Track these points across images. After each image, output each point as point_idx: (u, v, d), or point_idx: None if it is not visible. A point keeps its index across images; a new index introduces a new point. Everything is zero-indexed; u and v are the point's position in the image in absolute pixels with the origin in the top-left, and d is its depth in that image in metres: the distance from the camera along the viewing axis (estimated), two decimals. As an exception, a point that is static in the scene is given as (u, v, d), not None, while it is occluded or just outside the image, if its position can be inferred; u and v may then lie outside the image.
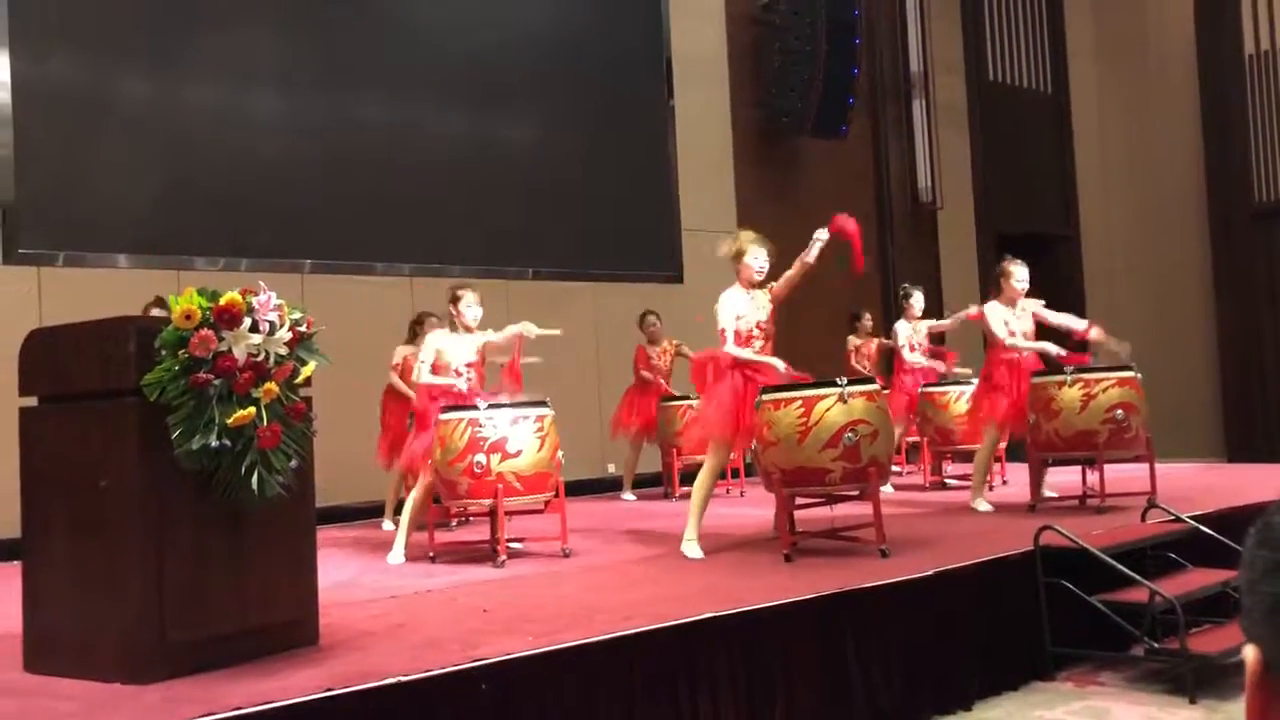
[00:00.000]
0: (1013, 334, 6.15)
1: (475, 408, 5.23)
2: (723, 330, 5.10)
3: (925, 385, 7.92)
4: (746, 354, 5.08)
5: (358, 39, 8.32)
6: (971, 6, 12.64)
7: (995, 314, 6.23)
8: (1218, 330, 12.89)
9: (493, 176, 8.89)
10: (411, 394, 6.13)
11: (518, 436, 5.13)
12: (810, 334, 9.01)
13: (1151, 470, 6.03)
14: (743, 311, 5.11)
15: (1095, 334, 6.14)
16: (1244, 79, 12.60)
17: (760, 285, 5.23)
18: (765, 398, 4.90)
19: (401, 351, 6.96)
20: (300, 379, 3.39)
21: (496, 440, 5.09)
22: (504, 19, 9.09)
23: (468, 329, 5.58)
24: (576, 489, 7.38)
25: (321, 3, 8.20)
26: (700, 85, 10.25)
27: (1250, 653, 0.65)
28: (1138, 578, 4.50)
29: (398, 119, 8.47)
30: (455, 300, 5.60)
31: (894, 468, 7.44)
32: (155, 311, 5.90)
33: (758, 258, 5.18)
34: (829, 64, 10.33)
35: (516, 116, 9.17)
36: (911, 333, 8.14)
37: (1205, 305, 13.02)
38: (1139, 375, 6.05)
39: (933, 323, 8.26)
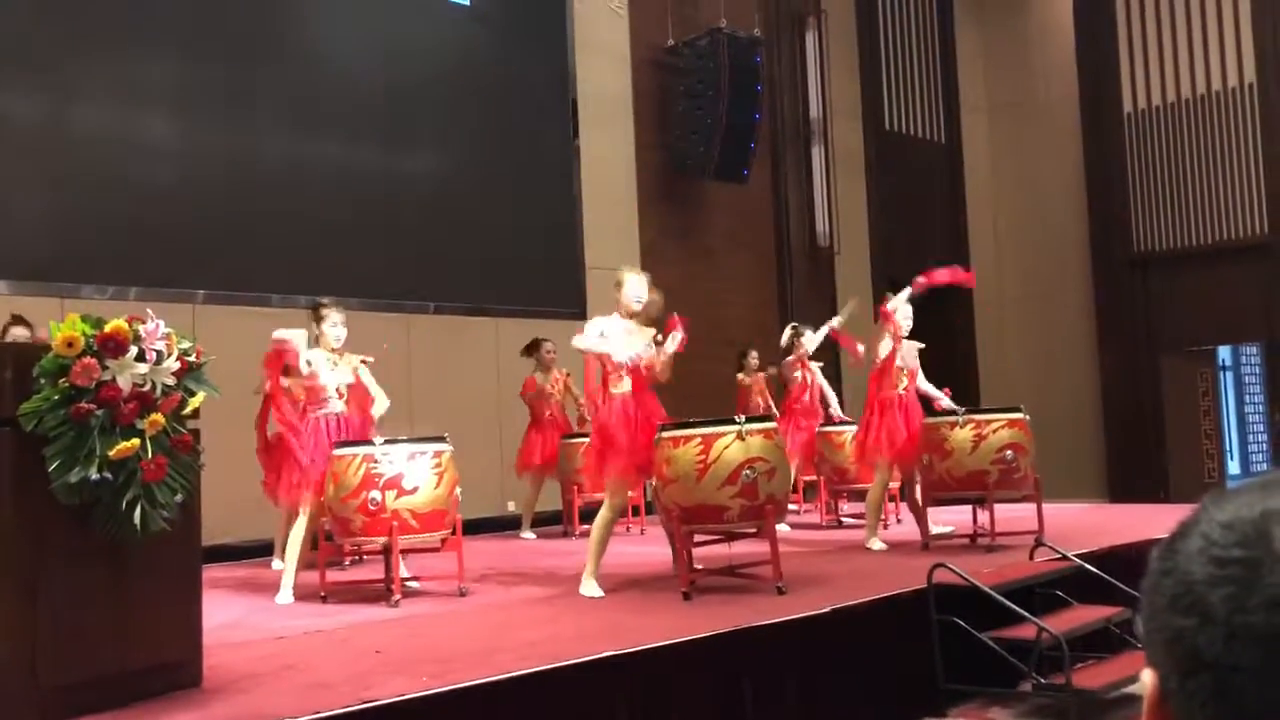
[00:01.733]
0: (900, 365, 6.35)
1: (370, 443, 5.12)
2: (582, 329, 5.08)
3: (822, 424, 8.05)
4: (596, 345, 4.99)
5: (261, 66, 8.19)
6: (869, 58, 13.02)
7: (885, 344, 6.40)
8: (1101, 373, 13.40)
9: (396, 210, 8.81)
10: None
11: (414, 473, 5.04)
12: (704, 370, 9.11)
13: (1039, 510, 6.21)
14: (615, 338, 5.05)
15: (946, 404, 6.42)
16: (1123, 135, 13.21)
17: (645, 321, 5.19)
18: (664, 435, 4.92)
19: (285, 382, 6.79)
20: (188, 410, 3.28)
21: (392, 476, 4.99)
22: (411, 52, 9.05)
23: (332, 350, 5.46)
24: (475, 527, 7.27)
25: (223, 28, 8.04)
26: (605, 126, 10.34)
27: (1148, 679, 0.66)
28: (1026, 615, 4.61)
29: (300, 149, 8.35)
30: (320, 319, 5.47)
31: (791, 506, 7.52)
32: (15, 330, 5.66)
33: (633, 290, 5.12)
34: (731, 109, 10.51)
35: (421, 151, 9.12)
36: (808, 372, 8.29)
37: (1090, 348, 13.53)
38: (1027, 417, 6.24)
39: (825, 329, 8.25)
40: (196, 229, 7.69)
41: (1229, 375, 14.15)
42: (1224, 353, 13.99)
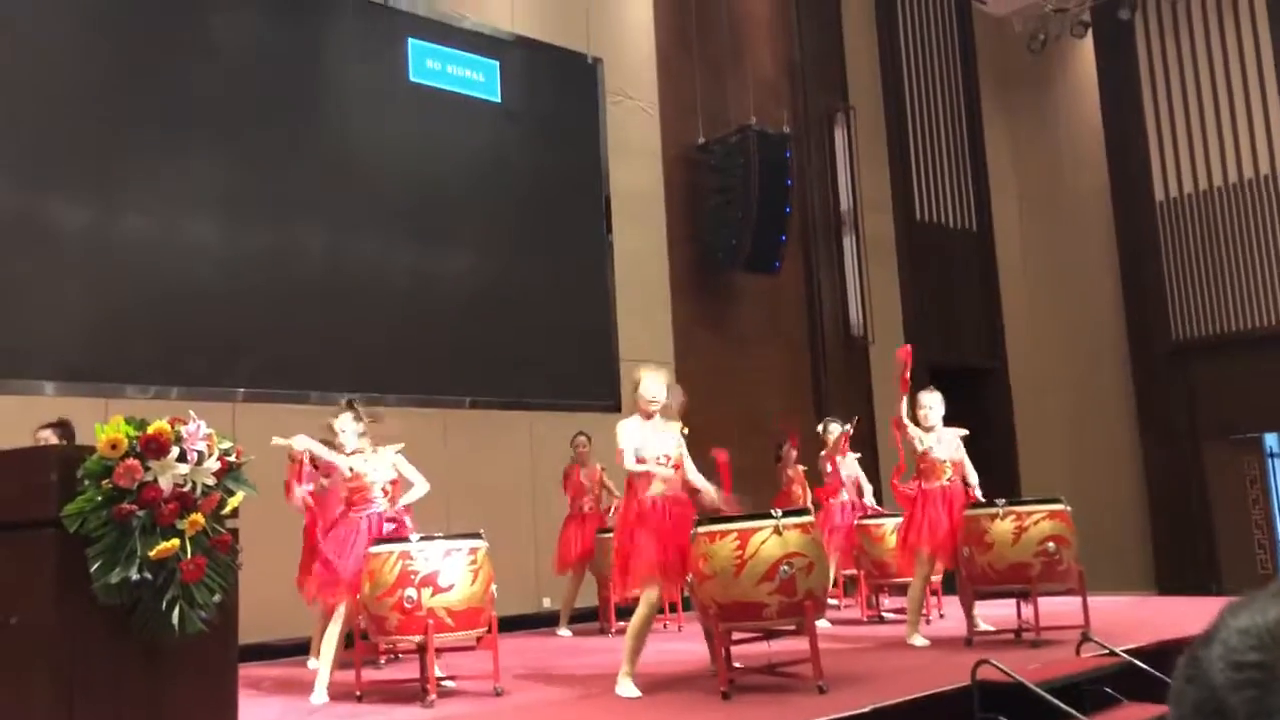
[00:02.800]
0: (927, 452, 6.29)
1: (406, 540, 5.13)
2: (621, 450, 5.06)
3: (860, 518, 7.96)
4: (648, 467, 5.00)
5: (300, 168, 8.43)
6: (898, 150, 13.18)
7: (913, 430, 6.36)
8: (1144, 462, 13.19)
9: (432, 305, 8.95)
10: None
11: (450, 570, 5.03)
12: (740, 463, 9.06)
13: (1084, 603, 6.07)
14: (640, 440, 5.06)
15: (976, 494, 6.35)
16: (1156, 223, 13.22)
17: (665, 417, 5.19)
18: (700, 530, 4.89)
19: (324, 482, 6.83)
20: (227, 509, 3.31)
21: (428, 574, 4.98)
22: (448, 153, 9.28)
23: (359, 449, 5.51)
24: (511, 624, 7.21)
25: (265, 131, 8.31)
26: (638, 220, 10.50)
27: None
28: (1075, 713, 4.48)
29: (337, 247, 8.53)
30: (361, 417, 5.53)
31: (830, 601, 7.41)
32: (42, 434, 5.67)
33: (649, 389, 5.13)
34: (761, 202, 10.65)
35: (457, 247, 9.28)
36: (850, 465, 8.24)
37: (1131, 437, 13.35)
38: (1069, 508, 6.15)
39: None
40: (237, 328, 7.84)
41: (1278, 463, 13.85)
42: (1271, 440, 13.72)
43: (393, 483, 5.53)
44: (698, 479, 5.14)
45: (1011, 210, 14.39)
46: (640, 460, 4.99)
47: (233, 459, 3.34)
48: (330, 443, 5.51)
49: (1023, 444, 13.46)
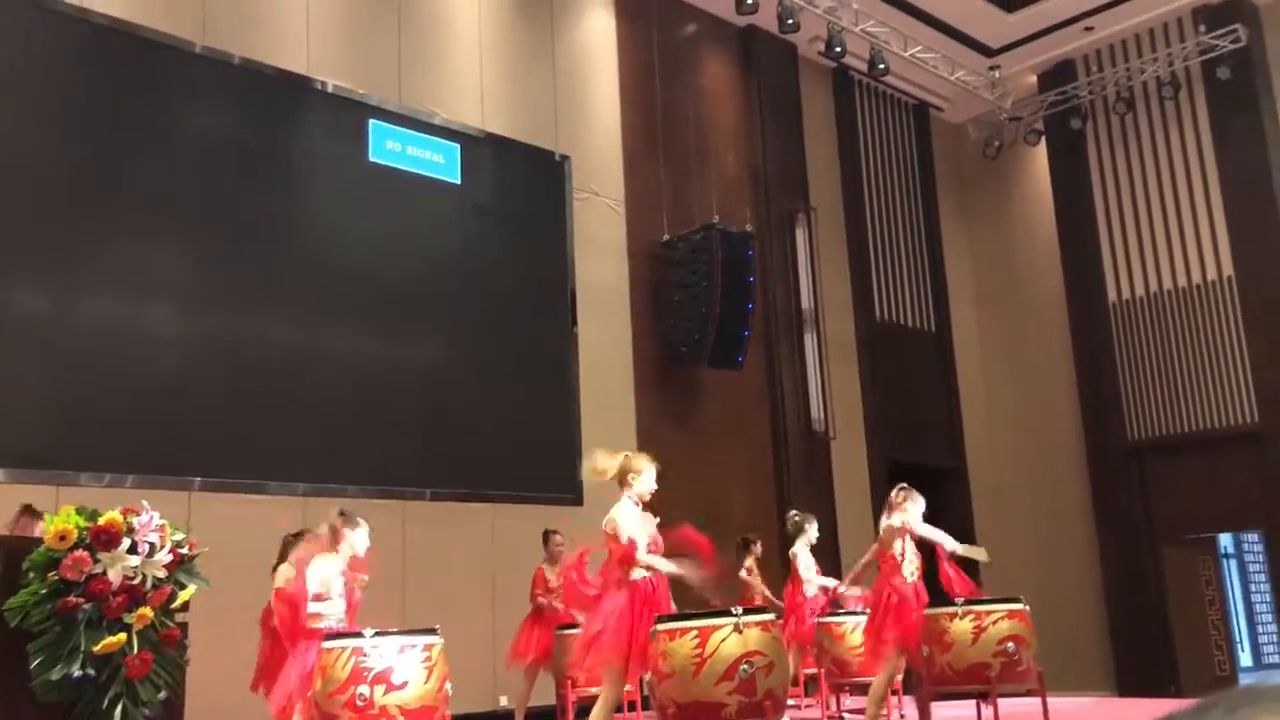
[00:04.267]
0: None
1: (359, 635, 5.03)
2: (631, 540, 5.03)
3: (822, 615, 7.90)
4: (660, 561, 5.01)
5: (260, 256, 8.44)
6: (858, 250, 13.44)
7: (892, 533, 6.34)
8: (1102, 561, 13.26)
9: (394, 395, 8.92)
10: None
11: (404, 667, 4.92)
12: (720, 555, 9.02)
13: (1044, 704, 6.04)
14: (637, 527, 5.08)
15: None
16: (1109, 324, 13.51)
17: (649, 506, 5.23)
18: (660, 627, 4.84)
19: (285, 573, 6.71)
20: (178, 603, 3.26)
21: (381, 671, 4.87)
22: (414, 246, 9.35)
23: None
24: (465, 722, 7.05)
25: (226, 219, 8.34)
26: (603, 315, 10.59)
27: None
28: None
29: (298, 335, 8.51)
30: (351, 525, 5.48)
31: (790, 701, 7.31)
32: (24, 520, 5.65)
33: (650, 480, 5.19)
34: (725, 298, 10.79)
35: (421, 337, 9.30)
36: (809, 560, 8.20)
37: (1089, 536, 13.44)
38: (1027, 607, 6.15)
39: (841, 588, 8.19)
40: (195, 416, 7.77)
41: (1232, 564, 13.97)
42: (1225, 540, 13.86)
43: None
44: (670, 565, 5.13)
45: (969, 311, 14.67)
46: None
47: (185, 550, 3.29)
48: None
49: (982, 543, 13.46)
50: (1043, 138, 14.26)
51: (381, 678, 4.86)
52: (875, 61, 12.27)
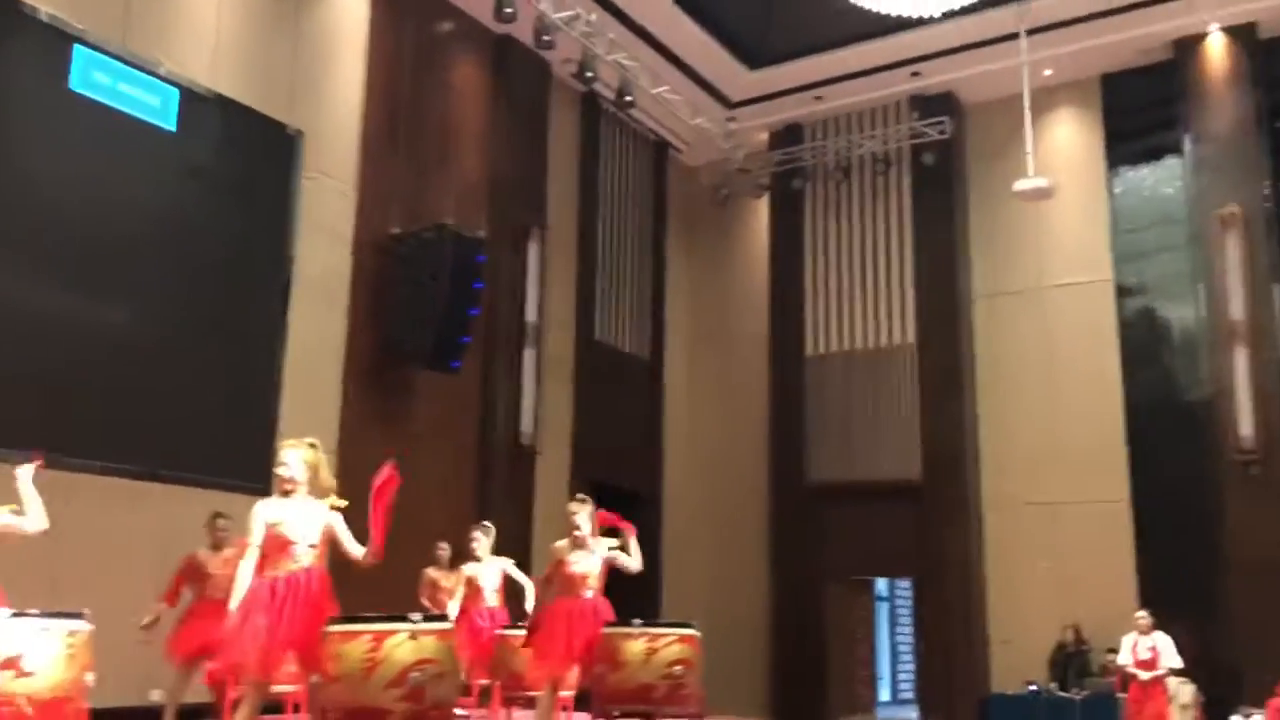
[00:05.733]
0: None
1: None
2: (279, 535, 4.87)
3: (502, 628, 7.94)
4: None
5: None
6: (586, 271, 13.71)
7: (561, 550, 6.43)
8: (771, 595, 14.12)
9: (72, 357, 8.19)
10: None
11: (38, 652, 4.52)
12: (396, 563, 8.85)
13: (699, 727, 6.33)
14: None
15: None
16: (803, 374, 14.45)
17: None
18: (333, 629, 4.71)
19: None
20: None
21: (11, 655, 4.45)
22: (118, 195, 8.63)
23: None
24: (111, 718, 6.54)
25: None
26: (320, 301, 10.22)
27: None
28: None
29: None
30: None
31: (462, 711, 7.28)
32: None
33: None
34: (449, 301, 10.68)
35: (112, 298, 8.56)
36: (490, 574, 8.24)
37: (764, 570, 14.27)
38: (699, 633, 6.44)
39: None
40: None
41: (885, 606, 15.22)
42: (881, 585, 15.09)
43: None
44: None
45: (683, 345, 15.28)
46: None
47: None
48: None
49: (668, 567, 14.02)
50: (767, 193, 15.11)
51: (10, 663, 4.45)
52: (624, 93, 12.59)
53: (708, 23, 13.46)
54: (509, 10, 10.95)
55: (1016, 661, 12.65)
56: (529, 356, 12.26)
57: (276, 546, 4.77)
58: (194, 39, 9.44)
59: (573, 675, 6.49)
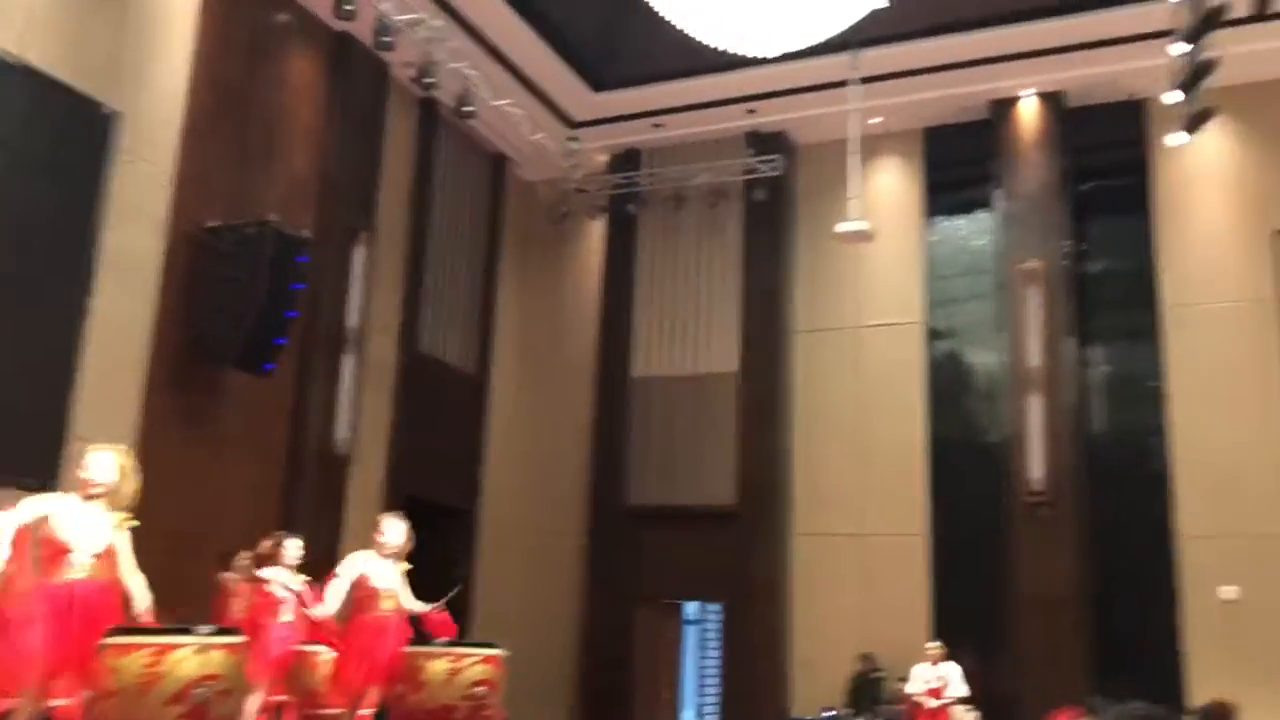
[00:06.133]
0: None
1: None
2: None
3: (302, 643, 7.64)
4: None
5: None
6: (414, 280, 13.44)
7: (356, 560, 6.26)
8: (584, 615, 14.12)
9: None
10: None
11: None
12: (194, 572, 8.44)
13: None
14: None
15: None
16: (628, 397, 14.57)
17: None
18: (111, 641, 4.42)
19: None
20: None
21: None
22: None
23: None
24: None
25: None
26: (127, 291, 9.67)
27: None
28: None
29: None
30: None
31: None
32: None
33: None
34: (266, 301, 10.28)
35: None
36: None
37: (579, 590, 14.27)
38: (504, 654, 6.38)
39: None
40: None
41: (693, 630, 15.42)
42: (692, 608, 15.30)
43: None
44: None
45: (512, 360, 15.15)
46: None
47: None
48: None
49: (481, 586, 13.84)
50: (604, 214, 15.21)
51: None
52: (464, 102, 12.46)
53: (554, 41, 13.48)
54: (349, 8, 10.70)
55: (818, 687, 13.01)
56: (348, 363, 11.91)
57: (52, 552, 4.45)
58: (4, 4, 8.82)
59: (373, 694, 6.33)
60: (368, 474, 12.33)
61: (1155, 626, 12.16)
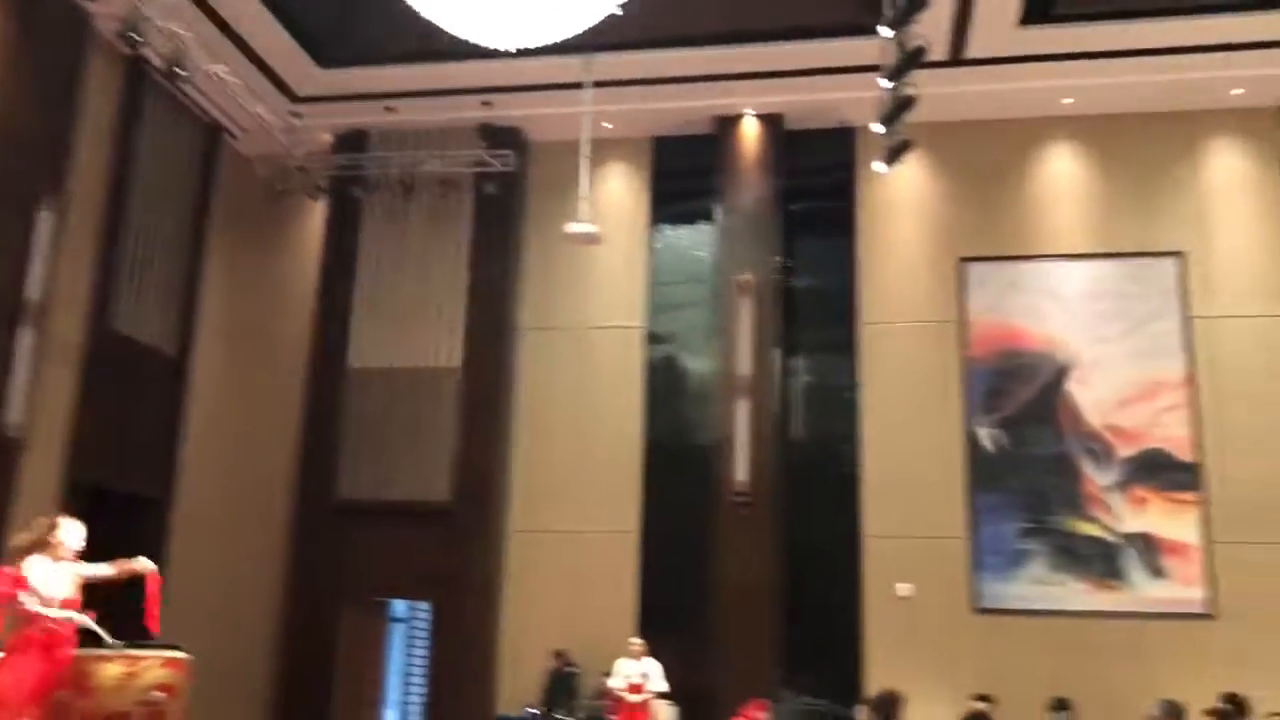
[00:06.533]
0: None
1: None
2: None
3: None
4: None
5: None
6: (108, 253, 12.36)
7: (37, 569, 5.68)
8: (284, 611, 13.51)
9: None
10: None
11: None
12: None
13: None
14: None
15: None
16: (344, 388, 14.06)
17: None
18: None
19: None
20: None
21: None
22: None
23: None
24: None
25: None
26: None
27: None
28: None
29: None
30: None
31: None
32: None
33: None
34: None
35: None
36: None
37: (279, 585, 13.63)
38: (186, 656, 5.95)
39: None
40: None
41: (401, 628, 15.10)
42: (400, 606, 14.98)
43: None
44: None
45: (218, 342, 14.23)
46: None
47: None
48: None
49: (173, 582, 12.88)
50: (325, 196, 14.60)
51: None
52: (175, 64, 11.60)
53: (278, 9, 12.80)
54: (45, -53, 9.71)
55: (524, 685, 13.04)
56: (25, 337, 10.79)
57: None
58: None
59: (35, 711, 5.72)
60: (44, 460, 11.22)
61: (841, 621, 13.02)
